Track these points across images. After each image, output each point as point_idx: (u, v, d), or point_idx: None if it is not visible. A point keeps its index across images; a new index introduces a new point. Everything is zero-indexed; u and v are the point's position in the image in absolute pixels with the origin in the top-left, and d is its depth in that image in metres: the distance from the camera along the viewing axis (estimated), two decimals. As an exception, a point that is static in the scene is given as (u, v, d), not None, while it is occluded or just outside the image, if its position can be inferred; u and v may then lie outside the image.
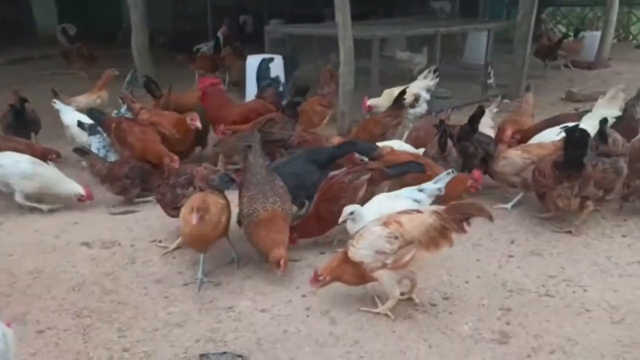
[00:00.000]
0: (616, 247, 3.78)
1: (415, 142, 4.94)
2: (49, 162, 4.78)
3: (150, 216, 4.35)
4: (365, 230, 2.94)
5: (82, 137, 5.39)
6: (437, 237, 2.82)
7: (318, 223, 3.69)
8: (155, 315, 3.07)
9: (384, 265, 2.85)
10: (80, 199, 4.44)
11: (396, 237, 2.80)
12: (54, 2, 14.87)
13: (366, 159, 4.34)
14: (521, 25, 8.13)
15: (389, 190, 3.79)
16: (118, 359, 2.74)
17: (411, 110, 5.90)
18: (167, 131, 4.99)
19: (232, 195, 3.69)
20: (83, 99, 6.52)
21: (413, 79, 6.63)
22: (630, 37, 14.77)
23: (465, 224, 2.82)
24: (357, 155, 4.43)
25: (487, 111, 5.08)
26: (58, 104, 5.76)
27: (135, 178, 4.58)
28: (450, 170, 3.64)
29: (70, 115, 5.64)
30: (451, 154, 4.40)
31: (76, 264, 3.66)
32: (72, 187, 4.44)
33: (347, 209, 3.36)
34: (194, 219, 3.07)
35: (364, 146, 4.38)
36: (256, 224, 3.34)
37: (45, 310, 3.13)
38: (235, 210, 3.63)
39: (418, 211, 2.93)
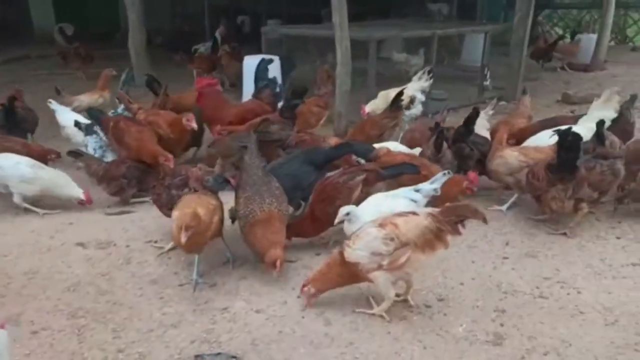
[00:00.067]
0: (610, 249, 3.80)
1: (410, 144, 4.97)
2: (48, 163, 4.77)
3: (145, 217, 4.34)
4: (362, 231, 2.95)
5: (78, 137, 5.38)
6: (432, 239, 2.83)
7: (313, 224, 3.70)
8: (150, 316, 3.07)
9: (379, 267, 2.85)
10: (80, 202, 4.44)
11: (392, 239, 2.82)
12: (51, 1, 14.83)
13: (363, 161, 4.35)
14: (518, 27, 8.17)
15: (387, 190, 3.80)
16: (112, 359, 2.73)
17: (407, 112, 5.92)
18: (162, 131, 4.99)
19: (229, 197, 3.70)
20: (85, 98, 6.52)
21: (409, 80, 6.66)
22: (627, 39, 14.84)
23: (460, 226, 2.84)
24: (353, 156, 4.44)
25: (482, 113, 5.10)
26: (54, 104, 5.74)
27: (132, 178, 4.58)
28: (446, 171, 3.66)
29: (66, 116, 5.63)
30: (445, 156, 4.42)
31: (71, 264, 3.65)
32: (73, 191, 4.42)
33: (343, 210, 3.37)
34: (182, 238, 3.02)
35: (361, 147, 4.39)
36: (252, 225, 3.34)
37: (40, 310, 3.12)
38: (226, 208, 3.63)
39: (414, 213, 2.93)
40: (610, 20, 10.73)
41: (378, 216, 3.08)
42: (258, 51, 7.80)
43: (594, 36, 11.06)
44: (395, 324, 2.97)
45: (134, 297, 3.27)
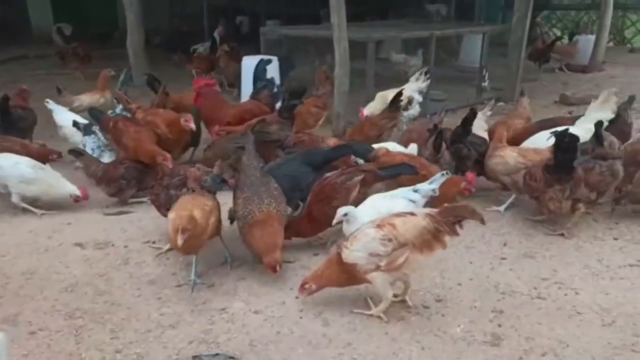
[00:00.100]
0: (608, 250, 3.80)
1: (407, 144, 4.96)
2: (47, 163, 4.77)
3: (144, 217, 4.34)
4: (359, 232, 2.95)
5: (76, 136, 5.38)
6: (430, 239, 2.83)
7: (310, 224, 3.70)
8: (148, 317, 3.07)
9: (377, 268, 2.86)
10: (76, 199, 4.43)
11: (390, 240, 2.82)
12: (50, 1, 14.81)
13: (361, 161, 4.36)
14: (516, 28, 8.18)
15: (386, 190, 3.80)
16: (110, 360, 2.73)
17: (405, 113, 5.93)
18: (161, 131, 4.98)
19: (227, 197, 3.70)
20: (87, 98, 6.52)
21: (407, 81, 6.67)
22: (625, 40, 14.88)
23: (457, 227, 2.84)
24: (352, 157, 4.45)
25: (481, 114, 5.12)
26: (51, 104, 5.73)
27: (132, 179, 4.57)
28: (444, 172, 3.67)
29: (64, 115, 5.62)
30: (444, 157, 4.43)
31: (69, 264, 3.65)
32: (67, 188, 4.42)
33: (341, 211, 3.37)
34: (179, 240, 3.02)
35: (360, 148, 4.40)
36: (251, 225, 3.34)
37: (37, 311, 3.12)
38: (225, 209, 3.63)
39: (412, 214, 2.94)
40: (608, 21, 10.75)
41: (376, 217, 3.08)
42: (257, 51, 7.80)
43: (592, 37, 11.09)
44: (393, 324, 2.97)
45: (131, 297, 3.26)
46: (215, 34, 10.53)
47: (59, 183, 4.42)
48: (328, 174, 3.96)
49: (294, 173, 3.97)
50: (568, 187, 3.79)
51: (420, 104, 6.35)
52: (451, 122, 5.59)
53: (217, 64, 9.17)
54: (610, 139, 4.35)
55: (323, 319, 3.02)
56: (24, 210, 4.42)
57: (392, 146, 4.69)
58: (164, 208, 3.80)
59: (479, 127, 5.04)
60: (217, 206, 3.47)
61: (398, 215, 2.95)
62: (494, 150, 4.41)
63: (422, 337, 2.87)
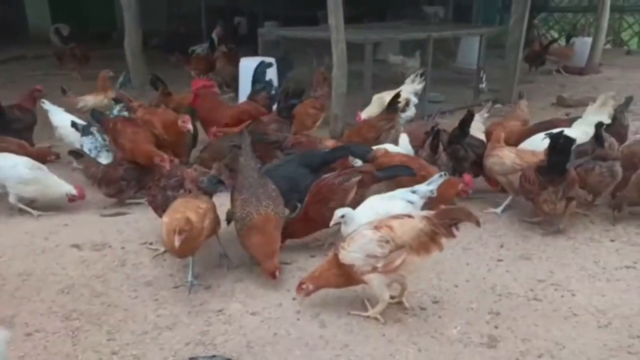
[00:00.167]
0: (604, 252, 3.82)
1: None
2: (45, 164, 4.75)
3: (141, 218, 4.34)
4: (357, 233, 2.96)
5: (72, 137, 5.37)
6: (427, 241, 2.84)
7: (307, 224, 3.70)
8: (145, 318, 3.07)
9: (374, 269, 2.86)
10: (72, 198, 4.42)
11: (387, 241, 2.82)
12: (47, 1, 14.79)
13: (359, 162, 4.36)
14: (513, 30, 8.20)
15: (386, 191, 3.81)
16: (107, 361, 2.73)
17: (402, 115, 5.94)
18: (157, 131, 4.97)
19: (225, 198, 3.70)
20: (91, 99, 6.51)
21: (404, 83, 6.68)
22: (622, 43, 14.93)
23: (454, 229, 2.85)
24: (350, 158, 4.45)
25: (478, 116, 5.13)
26: (47, 104, 5.72)
27: (131, 179, 4.56)
28: (442, 173, 3.68)
29: (60, 116, 5.61)
30: (441, 158, 4.45)
31: (66, 266, 3.64)
32: (64, 188, 4.41)
33: (338, 212, 3.38)
34: (176, 242, 3.00)
35: (358, 149, 4.40)
36: (250, 228, 3.33)
37: (34, 312, 3.11)
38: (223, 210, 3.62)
39: (409, 216, 2.95)
40: (605, 23, 10.80)
41: (374, 218, 3.09)
42: (254, 53, 7.80)
43: (589, 39, 11.12)
44: (389, 326, 2.97)
45: (128, 299, 3.26)
46: (214, 35, 10.53)
47: (55, 183, 4.41)
48: (325, 175, 3.97)
49: (291, 174, 3.98)
50: (561, 188, 3.80)
51: (416, 106, 6.36)
52: (449, 123, 5.61)
53: (215, 65, 9.17)
54: (610, 140, 4.36)
55: (320, 321, 3.02)
56: (21, 211, 4.41)
57: (390, 148, 4.69)
58: (161, 209, 3.78)
59: (477, 129, 5.05)
60: (212, 207, 3.44)
61: (395, 217, 2.96)
62: (491, 150, 4.42)
63: (419, 339, 2.88)
